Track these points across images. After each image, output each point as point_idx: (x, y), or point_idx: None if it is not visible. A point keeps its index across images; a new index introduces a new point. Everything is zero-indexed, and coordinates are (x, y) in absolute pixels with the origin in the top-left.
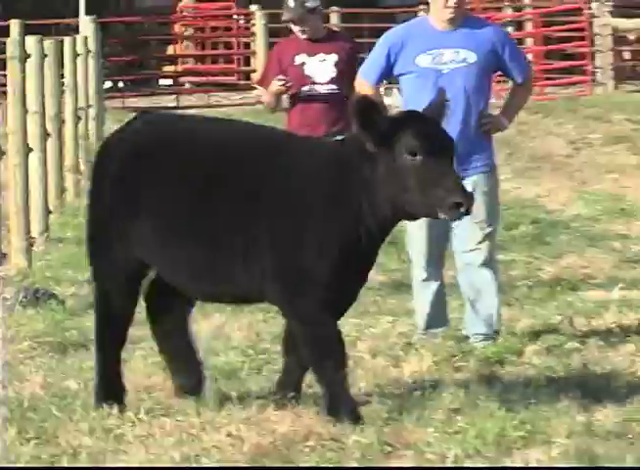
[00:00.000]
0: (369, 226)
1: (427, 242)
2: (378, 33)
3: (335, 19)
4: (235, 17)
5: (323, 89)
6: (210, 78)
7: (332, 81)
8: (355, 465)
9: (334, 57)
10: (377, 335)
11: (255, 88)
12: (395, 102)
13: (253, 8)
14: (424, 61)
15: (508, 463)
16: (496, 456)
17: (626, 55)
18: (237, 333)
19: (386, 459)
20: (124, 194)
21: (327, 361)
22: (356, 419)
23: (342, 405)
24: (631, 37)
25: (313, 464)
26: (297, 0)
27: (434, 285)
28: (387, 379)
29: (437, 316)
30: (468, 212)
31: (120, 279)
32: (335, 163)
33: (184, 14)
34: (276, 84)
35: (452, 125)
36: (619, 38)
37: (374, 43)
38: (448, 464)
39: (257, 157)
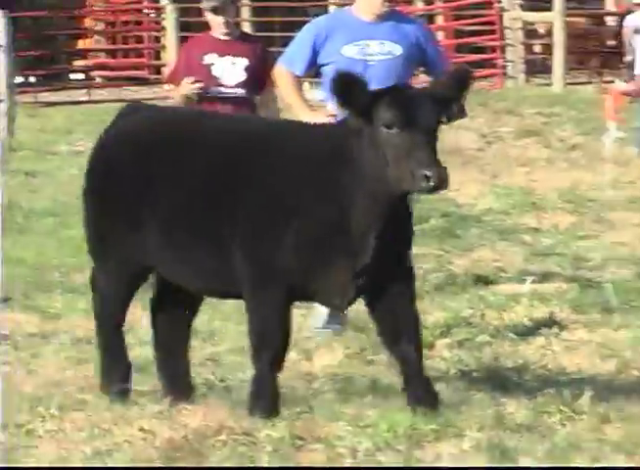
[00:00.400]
0: (361, 206)
1: None
2: (289, 27)
3: (246, 13)
4: (145, 11)
5: (229, 92)
6: (121, 73)
7: (239, 85)
8: (266, 459)
9: (244, 61)
10: None
11: (166, 84)
12: (315, 97)
13: (164, 2)
14: (350, 51)
15: (419, 456)
16: (407, 449)
17: (537, 48)
18: (149, 328)
19: (297, 453)
20: (119, 191)
21: (266, 354)
22: (267, 416)
23: (259, 400)
24: (541, 31)
25: (224, 458)
26: None
27: None
28: (298, 373)
29: (335, 314)
30: (437, 187)
31: (119, 277)
32: (325, 146)
33: (94, 8)
34: (187, 87)
35: None
36: (530, 32)
37: (285, 37)
38: (359, 458)
39: (244, 148)
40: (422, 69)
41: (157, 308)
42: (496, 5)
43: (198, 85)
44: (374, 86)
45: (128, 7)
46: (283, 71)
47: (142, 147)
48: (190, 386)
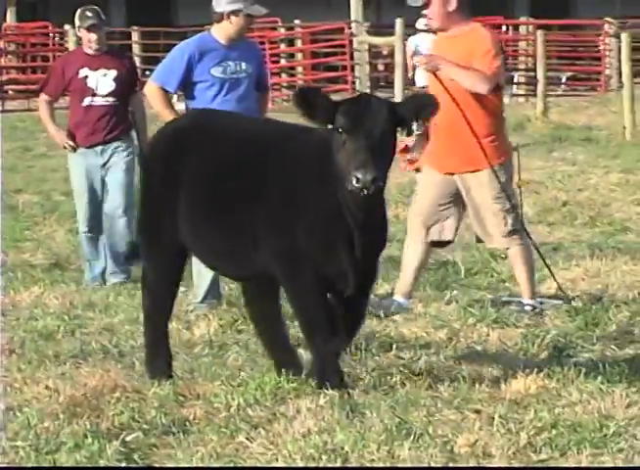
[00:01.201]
0: (347, 200)
1: None
2: (172, 48)
3: (136, 36)
4: (51, 34)
5: (103, 101)
6: (30, 86)
7: (111, 94)
8: (153, 414)
9: (113, 72)
10: None
11: (41, 94)
12: (182, 107)
13: (67, 27)
14: (216, 71)
15: (283, 410)
16: (273, 405)
17: (380, 67)
18: (53, 301)
19: (180, 408)
20: (170, 183)
21: (316, 334)
22: (338, 387)
23: (327, 378)
24: (384, 52)
25: (118, 413)
26: (92, 11)
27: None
28: (180, 341)
29: (214, 291)
30: (365, 188)
31: (167, 261)
32: (320, 147)
33: (7, 32)
34: (63, 143)
35: None
36: (376, 53)
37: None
38: (232, 412)
39: (266, 147)
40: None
41: (246, 289)
42: (347, 30)
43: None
44: (234, 101)
45: (36, 31)
46: (154, 88)
47: (183, 143)
48: (294, 353)
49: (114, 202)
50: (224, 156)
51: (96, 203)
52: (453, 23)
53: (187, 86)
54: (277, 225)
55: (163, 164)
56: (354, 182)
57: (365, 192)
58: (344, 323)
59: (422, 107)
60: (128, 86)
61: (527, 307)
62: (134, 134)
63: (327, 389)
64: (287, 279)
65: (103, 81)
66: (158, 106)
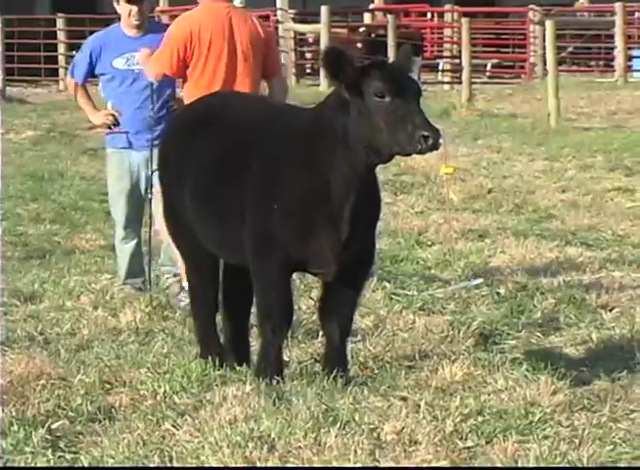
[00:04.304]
0: (343, 174)
1: (126, 206)
2: None
3: (60, 23)
4: None
5: None
6: None
7: None
8: (79, 401)
9: None
10: (98, 290)
11: None
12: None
13: None
14: (119, 63)
15: (209, 398)
16: (199, 392)
17: (307, 55)
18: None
19: (106, 395)
20: (178, 170)
21: (268, 323)
22: (274, 382)
23: (265, 366)
24: (310, 40)
25: (44, 400)
26: None
27: (132, 242)
28: (106, 328)
29: (136, 269)
30: (435, 145)
31: (192, 250)
32: (307, 125)
33: None
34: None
35: (140, 111)
36: (301, 41)
37: None
38: (159, 399)
39: (255, 129)
40: None
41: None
42: (272, 18)
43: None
44: (140, 88)
45: None
46: (70, 81)
47: (189, 125)
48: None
49: None
50: (219, 139)
51: None
52: None
53: (99, 78)
54: (255, 205)
55: (173, 151)
56: (420, 141)
57: (432, 150)
58: (336, 312)
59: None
60: None
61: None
62: None
63: (264, 378)
64: (253, 257)
65: None
66: (75, 97)
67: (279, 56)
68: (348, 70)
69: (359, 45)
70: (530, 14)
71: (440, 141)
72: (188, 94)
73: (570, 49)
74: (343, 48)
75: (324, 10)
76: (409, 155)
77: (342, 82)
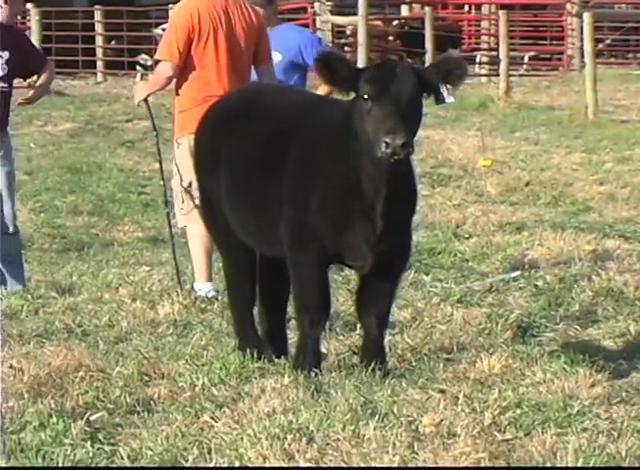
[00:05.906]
0: (369, 169)
1: None
2: (134, 27)
3: (98, 15)
4: None
5: None
6: None
7: (1, 79)
8: (118, 393)
9: (5, 54)
10: (136, 282)
11: None
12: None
13: (29, 6)
14: None
15: (247, 390)
16: (237, 384)
17: (346, 47)
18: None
19: (144, 387)
20: (216, 158)
21: (306, 315)
22: (312, 374)
23: (303, 359)
24: (348, 32)
25: (83, 392)
26: None
27: None
28: (145, 320)
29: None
30: (395, 154)
31: (232, 241)
32: (341, 119)
33: None
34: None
35: None
36: (339, 32)
37: (130, 37)
38: (197, 391)
39: (293, 120)
40: None
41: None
42: (310, 10)
43: None
44: None
45: None
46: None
47: (225, 116)
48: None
49: None
50: (256, 130)
51: None
52: None
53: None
54: (292, 197)
55: (209, 141)
56: (384, 148)
57: (395, 158)
58: (373, 304)
59: (449, 72)
60: (23, 69)
61: (201, 292)
62: None
63: (302, 370)
64: (290, 249)
65: None
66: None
67: (270, 43)
68: (342, 72)
69: (391, 38)
70: (568, 6)
71: (403, 152)
72: (182, 82)
73: (607, 41)
74: (338, 53)
75: (361, 2)
76: (382, 162)
77: (337, 86)
